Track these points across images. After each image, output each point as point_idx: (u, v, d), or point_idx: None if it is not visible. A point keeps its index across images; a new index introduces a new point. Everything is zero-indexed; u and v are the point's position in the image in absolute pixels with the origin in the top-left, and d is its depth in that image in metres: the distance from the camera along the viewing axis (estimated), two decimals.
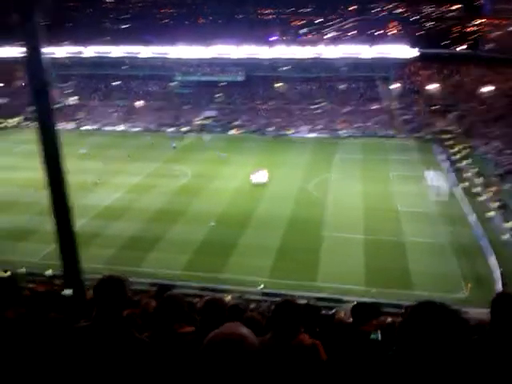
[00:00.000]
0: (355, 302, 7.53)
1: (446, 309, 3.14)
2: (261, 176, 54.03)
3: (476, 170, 55.26)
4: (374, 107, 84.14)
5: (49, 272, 32.27)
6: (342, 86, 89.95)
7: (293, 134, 78.56)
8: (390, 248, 38.41)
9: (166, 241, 40.53)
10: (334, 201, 48.86)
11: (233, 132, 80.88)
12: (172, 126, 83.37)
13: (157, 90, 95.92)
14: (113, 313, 4.18)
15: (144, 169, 60.22)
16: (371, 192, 50.84)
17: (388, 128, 78.01)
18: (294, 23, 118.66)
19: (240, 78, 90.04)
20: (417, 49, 79.56)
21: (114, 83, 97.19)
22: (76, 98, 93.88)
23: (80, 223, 41.65)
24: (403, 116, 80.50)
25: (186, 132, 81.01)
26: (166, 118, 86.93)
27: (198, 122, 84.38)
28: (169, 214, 45.84)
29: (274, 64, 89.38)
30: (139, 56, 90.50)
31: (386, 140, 73.83)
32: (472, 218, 43.08)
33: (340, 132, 77.84)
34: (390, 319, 10.51)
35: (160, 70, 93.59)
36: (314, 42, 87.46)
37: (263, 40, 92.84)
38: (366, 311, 6.79)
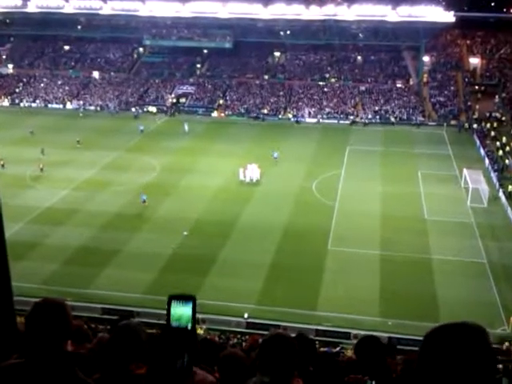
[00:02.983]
0: (362, 336, 7.45)
1: (476, 331, 3.01)
2: (251, 172, 54.15)
3: None
4: (399, 86, 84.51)
5: None
6: (358, 58, 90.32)
7: (294, 118, 78.88)
8: (412, 268, 38.60)
9: (125, 254, 40.45)
10: (344, 205, 49.01)
11: (216, 114, 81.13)
12: (137, 104, 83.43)
13: (119, 57, 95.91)
14: (51, 347, 4.19)
15: (99, 160, 60.17)
16: (392, 195, 51.03)
17: (416, 113, 78.45)
18: None
19: (227, 45, 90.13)
20: (452, 12, 79.80)
21: (64, 48, 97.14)
22: (11, 66, 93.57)
23: (13, 230, 41.55)
24: (436, 98, 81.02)
25: (155, 113, 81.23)
26: (129, 93, 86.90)
27: (172, 101, 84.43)
28: (129, 220, 45.78)
29: (271, 27, 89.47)
30: (99, 13, 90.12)
31: (413, 128, 74.28)
32: None
33: (354, 117, 78.31)
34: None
35: (124, 32, 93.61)
36: (322, 0, 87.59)
37: None
38: (375, 347, 6.62)
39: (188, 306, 4.86)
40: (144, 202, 47.37)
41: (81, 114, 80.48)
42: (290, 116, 79.13)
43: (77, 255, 40.22)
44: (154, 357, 5.04)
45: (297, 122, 77.17)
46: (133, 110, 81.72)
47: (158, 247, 41.30)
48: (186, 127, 69.66)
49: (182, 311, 4.90)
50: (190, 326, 4.92)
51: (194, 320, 4.87)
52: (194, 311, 4.84)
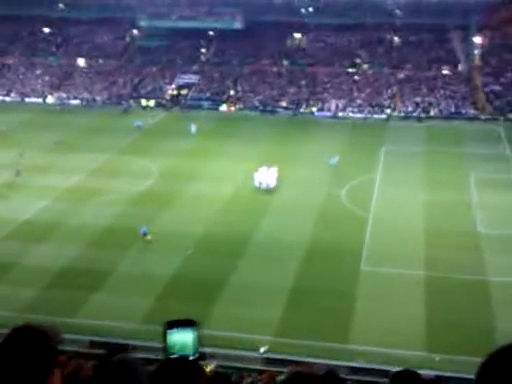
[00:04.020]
0: (398, 371, 7.43)
1: None
2: (267, 177, 54.25)
3: None
4: (445, 72, 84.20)
5: None
6: (395, 40, 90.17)
7: (318, 112, 78.91)
8: (464, 292, 38.34)
9: (117, 276, 40.55)
10: (380, 217, 48.78)
11: (225, 108, 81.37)
12: (131, 97, 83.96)
13: (109, 41, 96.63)
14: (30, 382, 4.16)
15: (85, 164, 60.49)
16: (438, 204, 50.75)
17: (466, 105, 78.17)
18: None
19: (237, 25, 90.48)
20: None
21: (43, 30, 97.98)
22: None
23: None
24: (490, 86, 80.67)
25: (151, 107, 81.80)
26: (121, 84, 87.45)
27: (172, 92, 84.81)
28: (122, 235, 45.93)
29: (289, 3, 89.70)
30: None
31: (462, 123, 73.89)
32: None
33: (391, 110, 78.12)
34: None
35: (115, 12, 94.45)
36: None
37: None
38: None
39: (189, 332, 4.83)
40: (145, 235, 44.85)
41: (58, 108, 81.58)
42: (314, 110, 79.15)
43: (60, 278, 40.36)
44: None
45: (321, 117, 77.14)
46: (123, 103, 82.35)
47: (156, 267, 41.36)
48: (194, 128, 69.42)
49: (182, 339, 4.87)
50: (192, 356, 4.88)
51: (197, 349, 4.83)
52: (197, 338, 4.79)
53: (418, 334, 34.48)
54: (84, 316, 36.39)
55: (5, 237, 45.89)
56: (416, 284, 39.37)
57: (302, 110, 79.66)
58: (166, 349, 4.93)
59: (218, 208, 50.57)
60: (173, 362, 4.97)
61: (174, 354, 4.92)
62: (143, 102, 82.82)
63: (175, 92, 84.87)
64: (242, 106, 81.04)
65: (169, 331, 4.87)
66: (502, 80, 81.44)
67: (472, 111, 77.01)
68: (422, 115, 76.85)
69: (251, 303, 37.45)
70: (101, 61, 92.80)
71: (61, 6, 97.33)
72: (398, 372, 7.41)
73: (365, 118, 76.69)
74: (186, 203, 51.85)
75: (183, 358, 4.98)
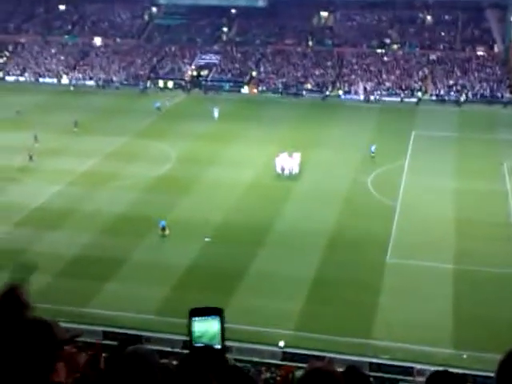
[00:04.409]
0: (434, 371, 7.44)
1: None
2: (290, 163, 54.35)
3: None
4: (480, 54, 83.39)
5: None
6: (427, 19, 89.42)
7: (345, 95, 78.66)
8: (495, 286, 38.10)
9: (132, 265, 40.84)
10: (409, 206, 48.64)
11: (247, 90, 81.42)
12: (149, 78, 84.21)
13: (127, 20, 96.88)
14: (33, 379, 4.21)
15: (100, 147, 60.83)
16: (469, 193, 50.56)
17: (502, 88, 77.45)
18: None
19: (260, 3, 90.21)
20: None
21: (59, 8, 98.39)
22: None
23: None
24: None
25: (170, 89, 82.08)
26: (139, 64, 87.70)
27: (192, 73, 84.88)
28: (138, 222, 46.18)
29: None
30: None
31: (498, 108, 73.45)
32: None
33: (422, 93, 77.61)
34: None
35: None
36: None
37: None
38: None
39: (214, 321, 4.82)
40: (163, 229, 43.98)
41: (72, 88, 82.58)
42: (341, 93, 78.93)
43: (72, 266, 40.69)
44: None
45: (348, 100, 76.89)
46: (140, 84, 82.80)
47: (172, 257, 41.58)
48: (216, 112, 69.35)
49: (207, 327, 4.86)
50: (218, 345, 4.86)
51: (223, 338, 4.81)
52: (223, 327, 4.78)
53: (444, 330, 34.36)
54: (97, 306, 36.67)
55: (17, 223, 46.30)
56: (444, 277, 39.23)
57: (327, 92, 79.36)
58: (191, 338, 4.88)
59: (238, 194, 50.66)
60: (200, 350, 4.94)
61: (199, 343, 4.88)
62: (161, 83, 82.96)
63: (195, 73, 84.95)
64: (264, 88, 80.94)
65: (194, 319, 4.84)
66: None
67: (508, 95, 76.38)
68: (455, 99, 76.27)
69: (271, 294, 37.49)
70: (118, 40, 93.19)
71: None
72: (434, 373, 7.39)
73: (394, 102, 76.29)
74: (204, 189, 51.99)
75: (210, 347, 4.96)
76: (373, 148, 57.85)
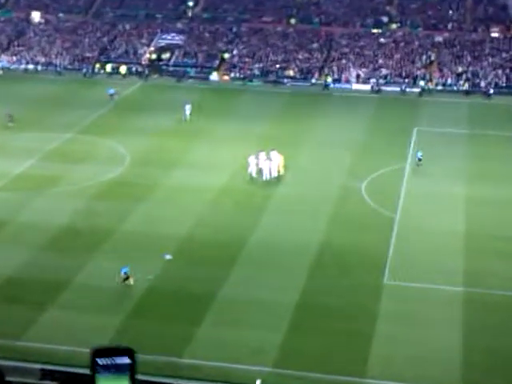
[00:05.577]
0: None
1: None
2: (268, 165, 54.14)
3: None
4: (495, 35, 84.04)
5: None
6: None
7: (334, 83, 78.92)
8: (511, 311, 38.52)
9: (76, 288, 40.30)
10: (410, 217, 48.71)
11: (216, 77, 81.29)
12: (97, 61, 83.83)
13: None
14: None
15: (39, 145, 60.51)
16: (482, 202, 50.74)
17: None
18: None
19: None
20: None
21: None
22: None
23: None
24: None
25: (124, 74, 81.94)
26: (86, 45, 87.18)
27: (150, 56, 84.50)
28: (84, 237, 45.79)
29: None
30: None
31: None
32: None
33: (426, 82, 78.15)
34: None
35: None
36: None
37: None
38: None
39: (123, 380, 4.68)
40: (126, 278, 39.98)
41: (1, 73, 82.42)
42: (329, 80, 79.16)
43: (4, 290, 40.23)
44: None
45: (338, 89, 77.19)
46: (88, 68, 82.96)
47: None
48: (188, 109, 67.52)
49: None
50: None
51: None
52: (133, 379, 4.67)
53: (452, 365, 34.32)
54: (32, 338, 36.08)
55: None
56: (451, 302, 39.20)
57: (313, 80, 79.50)
58: None
59: (206, 203, 50.40)
60: None
61: None
62: (108, 67, 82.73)
63: (154, 56, 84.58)
64: (238, 75, 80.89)
65: (98, 376, 4.71)
66: None
67: None
68: (465, 89, 76.92)
69: (245, 324, 37.28)
70: (61, 15, 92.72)
71: None
72: None
73: (393, 92, 76.77)
74: (164, 197, 51.72)
75: None
76: (419, 154, 56.65)
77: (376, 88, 77.31)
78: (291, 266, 42.72)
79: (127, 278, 40.04)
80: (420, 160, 56.39)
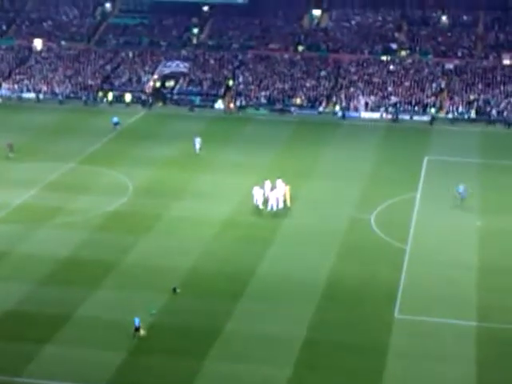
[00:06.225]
0: None
1: None
2: (275, 195, 53.94)
3: None
4: (507, 62, 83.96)
5: None
6: (442, 20, 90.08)
7: (342, 111, 78.85)
8: None
9: (78, 323, 39.95)
10: (421, 249, 48.42)
11: (222, 105, 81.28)
12: (100, 89, 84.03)
13: (74, 19, 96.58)
14: None
15: (41, 175, 60.48)
16: (497, 234, 50.49)
17: None
18: None
19: None
20: None
21: None
22: None
23: None
24: None
25: (127, 103, 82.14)
26: (89, 73, 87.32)
27: (154, 84, 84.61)
28: (86, 269, 45.58)
29: None
30: None
31: None
32: None
33: (436, 110, 78.02)
34: None
35: None
36: None
37: None
38: None
39: None
40: (137, 330, 38.06)
41: (0, 101, 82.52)
42: (337, 109, 79.15)
43: (4, 324, 39.94)
44: None
45: (346, 118, 77.25)
46: (90, 96, 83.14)
47: (128, 312, 40.76)
48: (197, 144, 66.88)
49: None
50: None
51: None
52: None
53: None
54: (34, 373, 35.65)
55: None
56: (466, 338, 38.71)
57: (321, 108, 79.49)
58: None
59: (211, 235, 50.23)
60: None
61: None
62: (110, 95, 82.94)
63: (158, 84, 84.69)
64: (243, 103, 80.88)
65: None
66: None
67: None
68: (476, 117, 76.78)
69: (252, 359, 36.85)
70: (63, 42, 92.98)
71: None
72: None
73: (402, 120, 76.81)
74: (168, 228, 51.62)
75: None
76: (461, 189, 55.17)
77: (391, 116, 77.13)
78: (299, 299, 42.37)
79: (137, 330, 38.72)
80: (460, 194, 54.66)
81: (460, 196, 55.06)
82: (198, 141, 66.44)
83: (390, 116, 77.35)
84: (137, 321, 38.83)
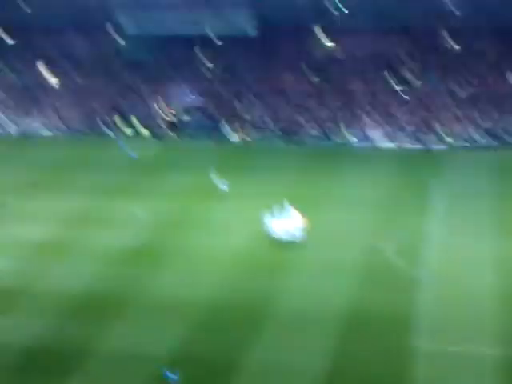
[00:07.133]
0: None
1: None
2: (291, 225, 54.46)
3: None
4: None
5: None
6: (454, 47, 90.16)
7: (356, 141, 79.27)
8: None
9: (98, 358, 40.66)
10: (439, 277, 48.84)
11: (236, 137, 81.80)
12: (114, 123, 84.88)
13: (87, 54, 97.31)
14: None
15: (56, 211, 61.42)
16: None
17: None
18: None
19: (250, 32, 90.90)
20: None
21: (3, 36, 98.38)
22: None
23: None
24: None
25: (144, 136, 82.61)
26: (103, 106, 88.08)
27: (169, 118, 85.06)
28: (105, 303, 46.23)
29: (317, 2, 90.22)
30: None
31: None
32: None
33: (450, 139, 78.15)
34: None
35: (91, 11, 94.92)
36: None
37: None
38: None
39: None
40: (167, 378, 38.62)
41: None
42: (351, 138, 79.61)
43: (24, 360, 40.36)
44: None
45: (360, 147, 77.65)
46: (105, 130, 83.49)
47: (149, 345, 41.35)
48: (224, 186, 64.96)
49: None
50: None
51: None
52: None
53: None
54: None
55: None
56: (490, 366, 38.94)
57: (335, 138, 79.96)
58: None
59: (226, 267, 51.01)
60: None
61: None
62: (126, 129, 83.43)
63: (173, 117, 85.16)
64: (257, 134, 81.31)
65: None
66: None
67: None
68: (491, 144, 76.94)
69: None
70: (76, 78, 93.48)
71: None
72: None
73: (416, 149, 77.33)
74: (183, 261, 52.52)
75: None
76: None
77: (398, 146, 77.30)
78: (318, 332, 42.97)
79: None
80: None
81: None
82: (223, 184, 64.82)
83: (401, 145, 77.56)
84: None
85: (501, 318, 43.49)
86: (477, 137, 78.22)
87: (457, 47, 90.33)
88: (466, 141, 77.96)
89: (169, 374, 37.51)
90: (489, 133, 78.63)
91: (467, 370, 38.73)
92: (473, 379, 38.12)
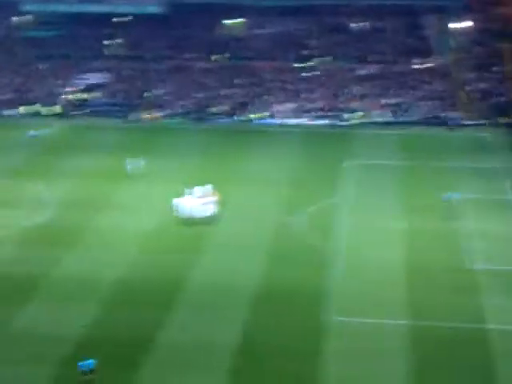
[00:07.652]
0: None
1: None
2: (201, 203, 54.21)
3: None
4: (420, 66, 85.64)
5: None
6: (356, 26, 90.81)
7: (260, 119, 79.63)
8: (461, 345, 38.46)
9: (5, 338, 39.75)
10: (349, 252, 49.25)
11: (142, 116, 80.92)
12: (14, 103, 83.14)
13: None
14: None
15: None
16: (420, 234, 51.57)
17: (447, 108, 79.67)
18: None
19: (154, 9, 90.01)
20: None
21: None
22: None
23: None
24: (477, 84, 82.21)
25: (44, 115, 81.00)
26: (2, 87, 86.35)
27: (71, 97, 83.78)
28: (14, 284, 45.28)
29: None
30: None
31: (441, 130, 75.46)
32: None
33: (352, 116, 79.10)
34: None
35: None
36: None
37: None
38: None
39: None
40: (90, 372, 35.51)
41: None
42: (254, 117, 79.99)
43: None
44: None
45: (268, 125, 78.08)
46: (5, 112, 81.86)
47: (57, 327, 40.68)
48: (138, 165, 64.25)
49: None
50: None
51: None
52: None
53: None
54: None
55: None
56: (399, 336, 39.38)
57: (242, 117, 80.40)
58: None
59: (138, 245, 50.42)
60: None
61: None
62: (23, 109, 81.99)
63: (75, 96, 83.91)
64: (164, 113, 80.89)
65: None
66: (488, 75, 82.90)
67: (452, 115, 78.29)
68: (392, 121, 78.21)
69: (185, 368, 36.94)
70: None
71: None
72: None
73: (320, 126, 77.78)
74: (94, 241, 51.56)
75: None
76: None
77: (304, 123, 77.97)
78: (230, 306, 42.73)
79: (90, 372, 35.43)
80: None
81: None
82: (134, 163, 64.15)
83: (306, 122, 78.02)
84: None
85: (409, 290, 44.08)
86: (380, 113, 79.27)
87: (357, 26, 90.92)
88: (370, 117, 78.71)
89: (82, 365, 36.66)
90: (392, 110, 79.80)
91: (378, 341, 38.94)
92: (381, 348, 38.27)
